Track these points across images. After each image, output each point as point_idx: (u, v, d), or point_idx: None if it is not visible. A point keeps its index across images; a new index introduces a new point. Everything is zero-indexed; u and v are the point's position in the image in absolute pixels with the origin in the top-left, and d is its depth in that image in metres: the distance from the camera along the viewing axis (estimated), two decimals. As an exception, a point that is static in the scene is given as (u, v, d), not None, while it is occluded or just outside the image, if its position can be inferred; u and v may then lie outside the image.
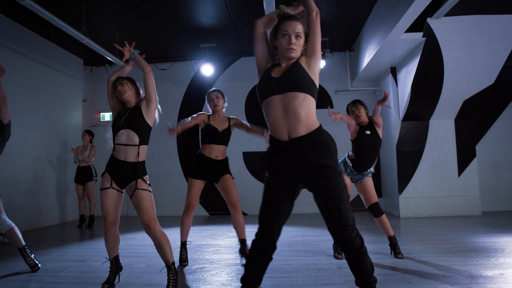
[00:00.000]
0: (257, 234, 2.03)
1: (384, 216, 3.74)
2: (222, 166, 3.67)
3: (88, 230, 6.23)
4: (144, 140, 2.83)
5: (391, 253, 3.79)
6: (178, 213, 7.58)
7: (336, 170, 1.92)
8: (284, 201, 1.97)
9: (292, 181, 1.97)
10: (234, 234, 5.41)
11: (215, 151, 3.62)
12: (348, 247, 1.90)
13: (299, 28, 2.00)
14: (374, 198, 3.74)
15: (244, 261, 3.67)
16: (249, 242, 4.11)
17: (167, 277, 2.69)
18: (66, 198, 7.32)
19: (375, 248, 4.16)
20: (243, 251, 3.68)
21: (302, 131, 1.90)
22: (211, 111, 3.74)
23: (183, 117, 8.21)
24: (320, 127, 1.97)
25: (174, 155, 8.19)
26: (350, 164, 3.76)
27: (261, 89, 2.03)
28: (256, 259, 2.02)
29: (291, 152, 1.91)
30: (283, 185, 1.97)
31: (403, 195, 6.80)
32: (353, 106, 3.86)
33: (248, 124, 3.77)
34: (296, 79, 1.94)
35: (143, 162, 2.84)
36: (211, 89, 3.80)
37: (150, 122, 2.88)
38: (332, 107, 7.93)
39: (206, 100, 3.77)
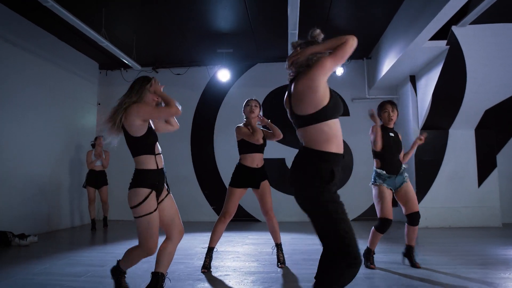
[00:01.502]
0: (358, 251, 1.96)
1: (417, 227, 3.71)
2: (263, 173, 3.79)
3: (103, 233, 6.19)
4: None
5: (402, 262, 3.79)
6: (184, 219, 7.58)
7: None
8: None
9: None
10: (252, 241, 5.39)
11: (256, 160, 3.75)
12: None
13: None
14: (416, 206, 3.67)
15: (279, 264, 3.74)
16: (259, 250, 4.10)
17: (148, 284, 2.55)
18: (79, 201, 7.28)
19: (390, 258, 4.09)
20: (278, 256, 3.78)
21: None
22: (245, 118, 3.85)
23: (197, 122, 8.19)
24: None
25: (188, 161, 8.14)
26: (384, 172, 3.66)
27: (339, 109, 2.07)
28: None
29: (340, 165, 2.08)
30: None
31: (422, 205, 6.63)
32: (392, 106, 3.79)
33: (268, 131, 3.96)
34: None
35: None
36: (251, 98, 3.92)
37: None
38: (348, 114, 7.84)
39: (243, 107, 3.89)
